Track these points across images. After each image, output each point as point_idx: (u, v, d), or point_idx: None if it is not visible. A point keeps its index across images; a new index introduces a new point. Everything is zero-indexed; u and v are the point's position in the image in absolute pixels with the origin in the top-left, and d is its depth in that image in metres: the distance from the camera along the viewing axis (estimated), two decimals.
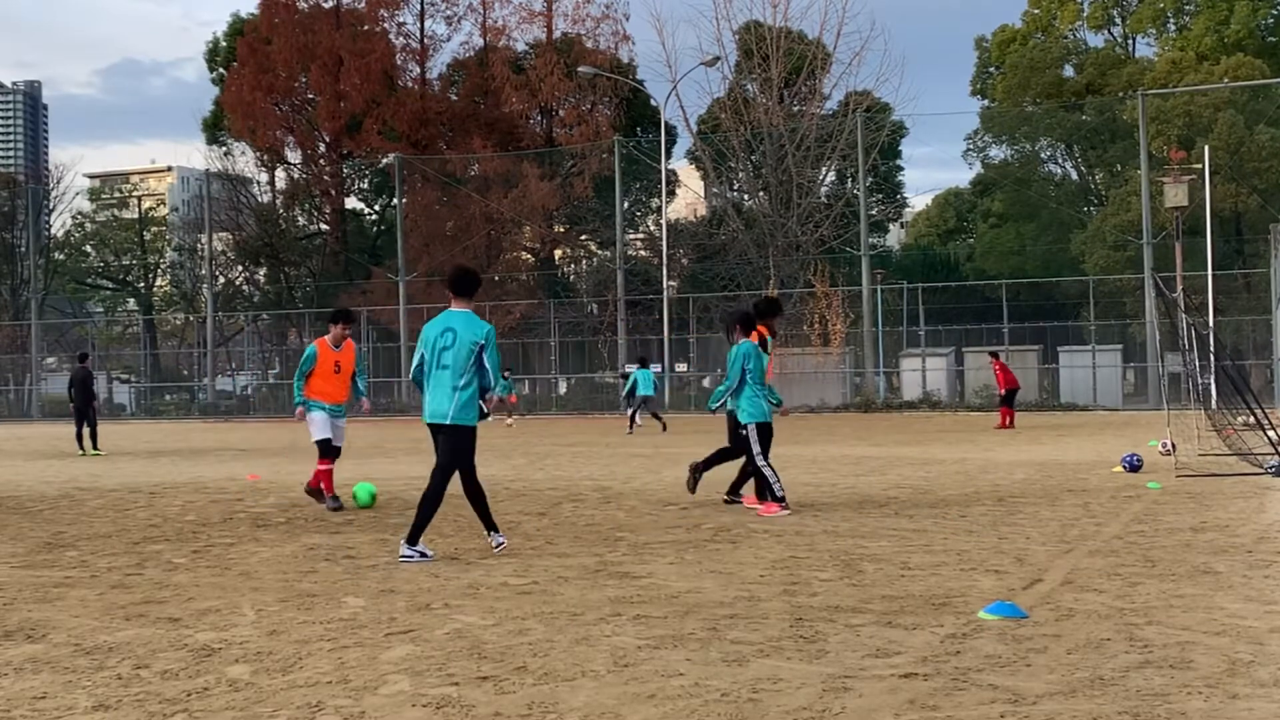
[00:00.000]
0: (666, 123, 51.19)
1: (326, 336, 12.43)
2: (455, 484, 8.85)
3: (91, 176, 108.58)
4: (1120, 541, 9.16)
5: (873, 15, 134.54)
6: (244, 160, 64.11)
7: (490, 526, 9.09)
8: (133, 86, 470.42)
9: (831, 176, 57.66)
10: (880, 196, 62.14)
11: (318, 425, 12.28)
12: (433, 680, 5.32)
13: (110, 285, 74.07)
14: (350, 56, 58.17)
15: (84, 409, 24.66)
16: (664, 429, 30.02)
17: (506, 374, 36.00)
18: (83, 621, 6.79)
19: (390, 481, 15.84)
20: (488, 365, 8.76)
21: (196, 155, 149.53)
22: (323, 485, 12.37)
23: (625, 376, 39.42)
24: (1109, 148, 55.66)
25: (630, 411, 30.81)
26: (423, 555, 8.78)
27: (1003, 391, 29.36)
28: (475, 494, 8.97)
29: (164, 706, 4.99)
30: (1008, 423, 28.38)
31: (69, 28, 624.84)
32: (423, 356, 8.90)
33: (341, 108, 59.19)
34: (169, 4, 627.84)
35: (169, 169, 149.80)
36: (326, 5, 61.12)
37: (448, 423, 8.75)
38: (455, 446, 8.82)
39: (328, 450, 12.29)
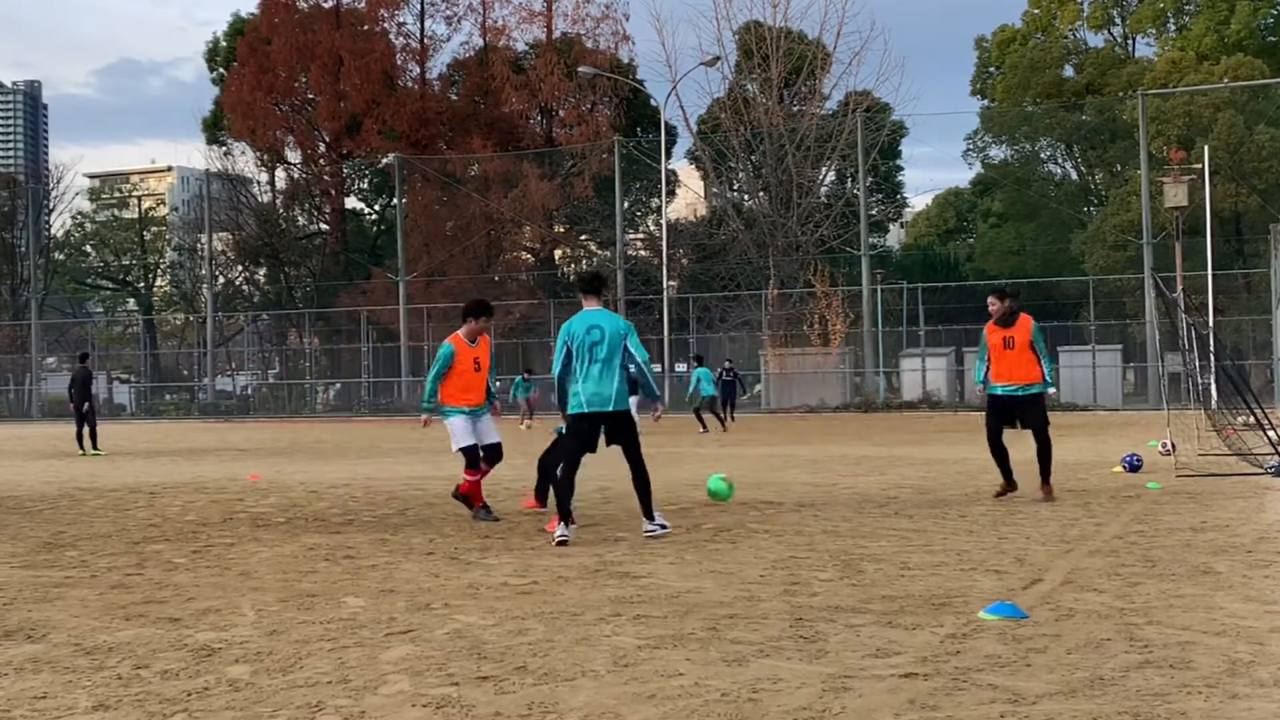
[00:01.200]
0: (666, 123, 51.20)
1: (460, 331, 11.16)
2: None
3: (91, 176, 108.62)
4: (1120, 541, 9.16)
5: (873, 15, 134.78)
6: (244, 160, 64.26)
7: (648, 513, 9.62)
8: (131, 86, 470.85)
9: (831, 176, 57.70)
10: (880, 196, 62.16)
11: (459, 432, 10.98)
12: (433, 680, 5.32)
13: (110, 285, 74.08)
14: (350, 56, 58.17)
15: (84, 408, 24.68)
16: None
17: (527, 375, 35.98)
18: (83, 621, 6.79)
19: (389, 481, 15.85)
20: (633, 351, 9.51)
21: (196, 155, 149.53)
22: (472, 497, 11.17)
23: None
24: (1109, 148, 55.67)
25: (695, 412, 30.05)
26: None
27: None
28: (642, 477, 9.61)
29: (164, 706, 4.98)
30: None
31: (67, 28, 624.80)
32: (569, 351, 9.50)
33: (341, 108, 59.21)
34: (167, 4, 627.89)
35: (169, 169, 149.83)
36: (326, 5, 61.13)
37: (611, 409, 9.47)
38: (630, 428, 9.62)
39: (474, 459, 11.06)
